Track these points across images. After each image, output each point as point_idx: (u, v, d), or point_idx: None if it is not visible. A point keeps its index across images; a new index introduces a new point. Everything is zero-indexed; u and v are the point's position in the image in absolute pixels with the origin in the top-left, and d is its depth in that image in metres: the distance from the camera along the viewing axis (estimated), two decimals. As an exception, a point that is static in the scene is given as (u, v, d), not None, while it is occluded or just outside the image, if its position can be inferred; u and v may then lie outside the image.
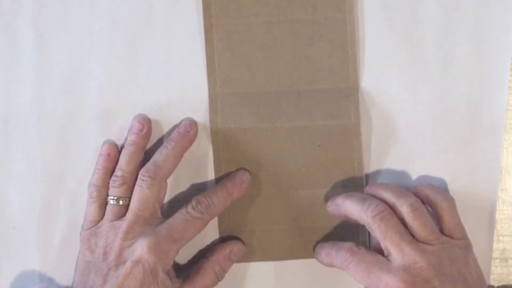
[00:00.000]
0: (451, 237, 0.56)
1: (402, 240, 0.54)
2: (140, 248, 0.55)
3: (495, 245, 0.61)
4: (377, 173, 0.61)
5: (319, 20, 0.60)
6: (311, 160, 0.60)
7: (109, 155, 0.60)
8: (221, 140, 0.60)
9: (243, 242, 0.61)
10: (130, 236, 0.56)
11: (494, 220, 0.61)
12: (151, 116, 0.61)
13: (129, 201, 0.58)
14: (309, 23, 0.60)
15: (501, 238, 0.62)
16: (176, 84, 0.61)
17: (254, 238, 0.61)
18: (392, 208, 0.56)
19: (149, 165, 0.58)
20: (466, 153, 0.60)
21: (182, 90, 0.61)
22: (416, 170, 0.61)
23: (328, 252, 0.58)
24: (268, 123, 0.60)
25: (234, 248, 0.60)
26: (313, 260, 0.61)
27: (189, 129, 0.60)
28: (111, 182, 0.59)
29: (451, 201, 0.57)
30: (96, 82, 0.61)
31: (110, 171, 0.60)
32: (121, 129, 0.61)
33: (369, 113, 0.60)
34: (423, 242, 0.54)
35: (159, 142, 0.61)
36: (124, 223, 0.57)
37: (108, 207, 0.59)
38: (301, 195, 0.60)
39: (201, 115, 0.61)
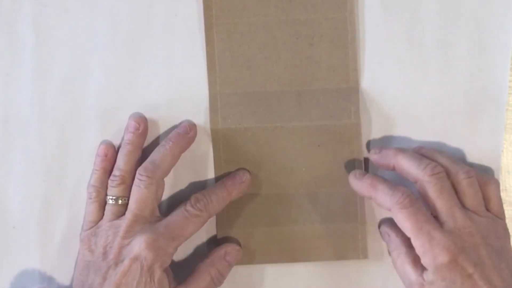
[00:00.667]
0: (495, 215, 0.56)
1: (455, 204, 0.54)
2: (138, 245, 0.55)
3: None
4: (377, 173, 0.61)
5: (320, 20, 0.60)
6: (311, 160, 0.60)
7: (106, 155, 0.60)
8: (221, 139, 0.60)
9: (239, 243, 0.61)
10: (130, 234, 0.56)
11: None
12: (151, 115, 0.61)
13: (128, 200, 0.58)
14: (310, 23, 0.60)
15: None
16: (176, 84, 0.61)
17: (253, 240, 0.61)
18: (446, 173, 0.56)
19: (146, 164, 0.58)
20: (466, 153, 0.60)
21: (182, 90, 0.61)
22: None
23: (375, 184, 0.57)
24: (268, 123, 0.60)
25: (229, 249, 0.60)
26: (313, 264, 0.61)
27: (189, 131, 0.60)
28: (109, 182, 0.59)
29: (497, 182, 0.58)
30: (96, 82, 0.61)
31: (108, 171, 0.60)
32: (121, 129, 0.61)
33: (369, 113, 0.60)
34: (471, 211, 0.55)
35: (161, 141, 0.61)
36: (123, 222, 0.57)
37: (107, 207, 0.59)
38: (301, 195, 0.60)
39: (201, 114, 0.61)
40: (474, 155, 0.61)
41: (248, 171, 0.60)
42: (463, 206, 0.55)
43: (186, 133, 0.60)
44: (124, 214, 0.58)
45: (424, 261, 0.53)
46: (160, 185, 0.59)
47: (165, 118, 0.61)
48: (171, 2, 0.61)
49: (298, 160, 0.60)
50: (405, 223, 0.54)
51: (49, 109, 0.61)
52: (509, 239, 0.56)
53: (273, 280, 0.62)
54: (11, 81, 0.62)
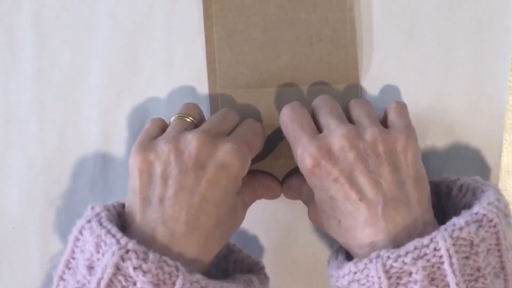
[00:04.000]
0: (393, 125, 0.54)
1: (332, 116, 0.53)
2: (224, 152, 0.51)
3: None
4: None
5: (320, 19, 0.60)
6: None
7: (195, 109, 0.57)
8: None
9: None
10: (208, 140, 0.51)
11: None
12: (152, 115, 0.61)
13: (198, 123, 0.55)
14: (310, 22, 0.60)
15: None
16: (176, 83, 0.61)
17: None
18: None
19: None
20: (466, 153, 0.61)
21: (182, 89, 0.61)
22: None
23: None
24: (268, 122, 0.60)
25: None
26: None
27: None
28: (184, 105, 0.57)
29: (400, 102, 0.56)
30: (96, 82, 0.61)
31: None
32: (121, 129, 0.61)
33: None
34: (356, 122, 0.53)
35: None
36: (199, 130, 0.52)
37: (172, 123, 0.55)
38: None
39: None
40: (474, 155, 0.61)
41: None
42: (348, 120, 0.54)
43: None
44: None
45: (300, 169, 0.52)
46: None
47: (165, 117, 0.61)
48: (171, 2, 0.61)
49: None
50: (286, 133, 0.54)
51: (49, 109, 0.61)
52: (410, 148, 0.51)
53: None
54: (11, 81, 0.62)
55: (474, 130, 0.60)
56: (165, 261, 0.47)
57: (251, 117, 0.59)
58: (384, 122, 0.54)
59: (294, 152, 0.53)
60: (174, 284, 0.46)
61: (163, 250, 0.48)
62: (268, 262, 0.59)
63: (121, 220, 0.52)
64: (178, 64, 0.61)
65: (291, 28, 0.60)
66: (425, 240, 0.46)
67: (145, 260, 0.46)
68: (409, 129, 0.53)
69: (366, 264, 0.48)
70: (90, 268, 0.48)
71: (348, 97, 0.60)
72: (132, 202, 0.51)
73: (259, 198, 0.59)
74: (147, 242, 0.48)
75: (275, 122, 0.60)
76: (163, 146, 0.51)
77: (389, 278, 0.47)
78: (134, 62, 0.61)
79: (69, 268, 0.50)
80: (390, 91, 0.60)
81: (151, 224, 0.49)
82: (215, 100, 0.60)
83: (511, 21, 0.60)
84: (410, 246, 0.47)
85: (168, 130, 0.54)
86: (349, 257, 0.53)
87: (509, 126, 0.61)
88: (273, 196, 0.60)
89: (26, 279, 0.62)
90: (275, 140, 0.60)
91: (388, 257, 0.47)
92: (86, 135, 0.61)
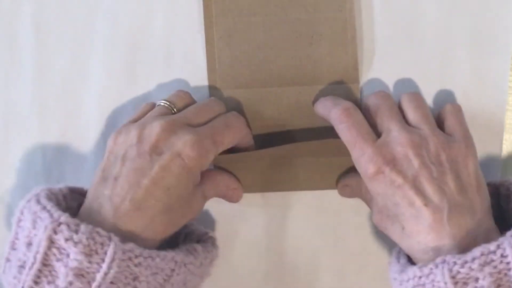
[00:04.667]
0: (452, 133, 0.55)
1: (391, 118, 0.53)
2: (183, 141, 0.52)
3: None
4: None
5: (320, 19, 0.60)
6: (312, 159, 0.60)
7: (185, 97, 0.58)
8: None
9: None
10: (172, 128, 0.53)
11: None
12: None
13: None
14: (310, 22, 0.60)
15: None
16: (176, 83, 0.61)
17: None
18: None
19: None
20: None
21: (182, 88, 0.61)
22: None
23: (326, 104, 0.57)
24: (269, 122, 0.60)
25: None
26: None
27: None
28: (172, 94, 0.58)
29: (456, 105, 0.57)
30: (96, 82, 0.61)
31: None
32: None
33: (369, 112, 0.60)
34: (414, 126, 0.54)
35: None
36: (167, 117, 0.54)
37: (155, 108, 0.57)
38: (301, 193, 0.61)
39: (202, 114, 0.61)
40: (474, 155, 0.61)
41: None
42: (406, 122, 0.54)
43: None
44: None
45: (361, 174, 0.53)
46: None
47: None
48: (170, 2, 0.61)
49: (299, 159, 0.60)
50: (343, 138, 0.54)
51: (49, 109, 0.61)
52: (471, 157, 0.53)
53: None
54: (11, 81, 0.62)
55: (474, 130, 0.60)
56: (97, 232, 0.48)
57: (251, 117, 0.60)
58: (439, 124, 0.55)
59: (355, 158, 0.53)
60: (105, 253, 0.48)
61: (107, 225, 0.49)
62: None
63: (74, 199, 0.54)
64: (178, 64, 0.61)
65: (291, 28, 0.60)
66: (492, 246, 0.47)
67: (76, 231, 0.48)
68: (468, 138, 0.54)
69: (431, 269, 0.48)
70: (29, 244, 0.49)
71: (348, 97, 0.59)
72: (93, 180, 0.53)
73: (220, 195, 0.59)
74: (93, 216, 0.51)
75: (276, 122, 0.60)
76: (132, 130, 0.53)
77: (456, 283, 0.47)
78: (134, 62, 0.61)
79: (14, 249, 0.51)
80: (390, 91, 0.60)
81: (100, 200, 0.51)
82: (215, 99, 0.60)
83: (511, 21, 0.60)
84: (476, 252, 0.47)
85: (147, 115, 0.56)
86: (410, 260, 0.53)
87: (509, 126, 0.61)
88: (233, 197, 0.60)
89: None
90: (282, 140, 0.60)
91: (455, 263, 0.47)
92: (86, 134, 0.61)
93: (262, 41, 0.60)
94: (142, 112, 0.57)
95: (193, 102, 0.58)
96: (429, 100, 0.60)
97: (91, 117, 0.61)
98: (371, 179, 0.52)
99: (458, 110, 0.56)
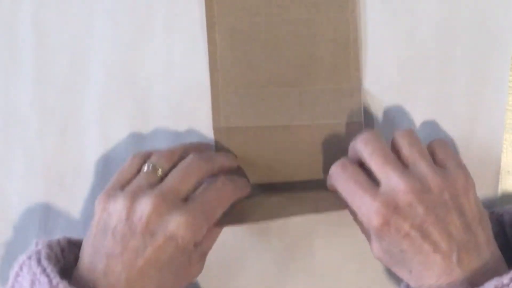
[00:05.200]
0: (446, 166, 0.53)
1: (387, 163, 0.52)
2: (176, 224, 0.51)
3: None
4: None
5: (322, 20, 0.60)
6: (312, 160, 0.60)
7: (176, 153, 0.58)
8: (223, 139, 0.60)
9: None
10: (164, 207, 0.52)
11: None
12: (152, 115, 0.61)
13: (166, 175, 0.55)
14: (312, 22, 0.60)
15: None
16: (178, 83, 0.61)
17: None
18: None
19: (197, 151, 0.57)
20: (466, 153, 0.61)
21: (184, 89, 0.61)
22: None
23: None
24: (270, 122, 0.60)
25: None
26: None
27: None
28: (157, 153, 0.56)
29: (443, 139, 0.56)
30: (96, 82, 0.61)
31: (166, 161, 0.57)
32: (121, 129, 0.61)
33: (371, 112, 0.60)
34: (411, 165, 0.53)
35: (162, 142, 0.61)
36: (158, 192, 0.53)
37: (140, 174, 0.55)
38: (303, 193, 0.60)
39: (203, 114, 0.61)
40: (474, 155, 0.61)
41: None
42: (402, 162, 0.53)
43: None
44: (154, 187, 0.54)
45: (365, 225, 0.52)
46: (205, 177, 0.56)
47: (166, 117, 0.61)
48: (171, 2, 0.61)
49: (300, 160, 0.60)
50: (342, 192, 0.54)
51: (49, 109, 0.61)
52: (470, 189, 0.52)
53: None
54: (11, 81, 0.62)
55: (474, 130, 0.60)
56: None
57: (253, 117, 0.59)
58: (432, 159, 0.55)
59: (356, 210, 0.53)
60: None
61: None
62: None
63: (71, 251, 0.55)
64: (179, 63, 0.61)
65: (293, 29, 0.60)
66: (505, 279, 0.47)
67: None
68: (464, 169, 0.54)
69: None
70: None
71: (349, 98, 0.60)
72: (86, 242, 0.53)
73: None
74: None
75: (278, 123, 0.60)
76: (121, 201, 0.52)
77: None
78: (134, 62, 0.61)
79: None
80: (392, 91, 0.60)
81: (95, 274, 0.51)
82: (217, 99, 0.60)
83: (511, 21, 0.60)
84: (490, 286, 0.47)
85: (135, 180, 0.55)
86: None
87: (509, 126, 0.61)
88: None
89: (26, 279, 0.62)
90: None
91: None
92: (86, 135, 0.61)
93: (265, 41, 0.60)
94: (131, 167, 0.56)
95: (181, 156, 0.57)
96: (429, 100, 0.60)
97: (91, 117, 0.61)
98: (377, 230, 0.51)
99: (445, 143, 0.56)
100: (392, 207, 0.50)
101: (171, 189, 0.53)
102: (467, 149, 0.61)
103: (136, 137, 0.61)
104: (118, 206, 0.52)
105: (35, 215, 0.62)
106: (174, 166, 0.56)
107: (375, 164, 0.53)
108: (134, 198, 0.52)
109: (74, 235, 0.60)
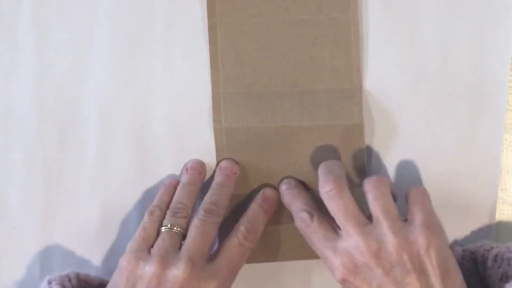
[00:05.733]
0: (412, 222, 0.54)
1: (347, 221, 0.53)
2: None
3: (495, 244, 0.62)
4: (378, 173, 0.61)
5: (323, 20, 0.60)
6: (313, 160, 0.60)
7: (174, 186, 0.59)
8: (224, 139, 0.60)
9: None
10: (194, 274, 0.54)
11: (494, 220, 0.61)
12: (153, 115, 0.61)
13: (185, 232, 0.56)
14: (313, 23, 0.60)
15: (501, 238, 0.62)
16: (178, 83, 0.61)
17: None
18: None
19: (209, 205, 0.57)
20: (466, 153, 0.61)
21: (185, 89, 0.61)
22: (417, 170, 0.61)
23: (290, 201, 0.58)
24: (271, 123, 0.60)
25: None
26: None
27: (235, 171, 0.60)
28: (170, 212, 0.57)
29: (420, 189, 0.56)
30: (96, 82, 0.61)
31: (167, 202, 0.59)
32: (121, 129, 0.61)
33: (372, 113, 0.60)
34: (374, 221, 0.53)
35: (162, 142, 0.61)
36: (185, 257, 0.54)
37: (160, 236, 0.56)
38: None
39: (204, 114, 0.61)
40: (474, 155, 0.61)
41: (276, 188, 0.60)
42: (364, 219, 0.54)
43: (233, 173, 0.59)
44: (178, 247, 0.55)
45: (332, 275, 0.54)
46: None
47: (167, 117, 0.61)
48: (171, 1, 0.61)
49: (301, 160, 0.60)
50: (306, 239, 0.56)
51: (49, 109, 0.61)
52: (435, 244, 0.52)
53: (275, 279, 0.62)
54: (11, 81, 0.61)
55: (474, 130, 0.60)
56: None
57: (254, 117, 0.59)
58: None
59: (323, 260, 0.55)
60: None
61: None
62: None
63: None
64: (180, 63, 0.61)
65: (295, 29, 0.60)
66: None
67: None
68: (430, 225, 0.53)
69: None
70: None
71: (351, 98, 0.60)
72: None
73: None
74: None
75: (279, 123, 0.60)
76: (152, 267, 0.53)
77: None
78: (135, 62, 0.61)
79: None
80: (393, 92, 0.60)
81: None
82: (218, 99, 0.60)
83: (511, 21, 0.60)
84: None
85: (159, 241, 0.55)
86: None
87: (509, 126, 0.61)
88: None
89: (26, 279, 0.62)
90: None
91: None
92: (86, 135, 0.61)
93: (266, 41, 0.60)
94: (151, 226, 0.56)
95: (192, 201, 0.58)
96: (430, 100, 0.60)
97: (91, 117, 0.61)
98: (340, 283, 0.54)
99: (421, 193, 0.56)
100: (352, 266, 0.53)
101: (196, 252, 0.54)
102: (467, 149, 0.61)
103: (136, 137, 0.61)
104: (148, 270, 0.53)
105: (35, 215, 0.61)
106: (192, 208, 0.58)
107: (337, 220, 0.54)
108: (164, 264, 0.53)
109: (74, 235, 0.60)
